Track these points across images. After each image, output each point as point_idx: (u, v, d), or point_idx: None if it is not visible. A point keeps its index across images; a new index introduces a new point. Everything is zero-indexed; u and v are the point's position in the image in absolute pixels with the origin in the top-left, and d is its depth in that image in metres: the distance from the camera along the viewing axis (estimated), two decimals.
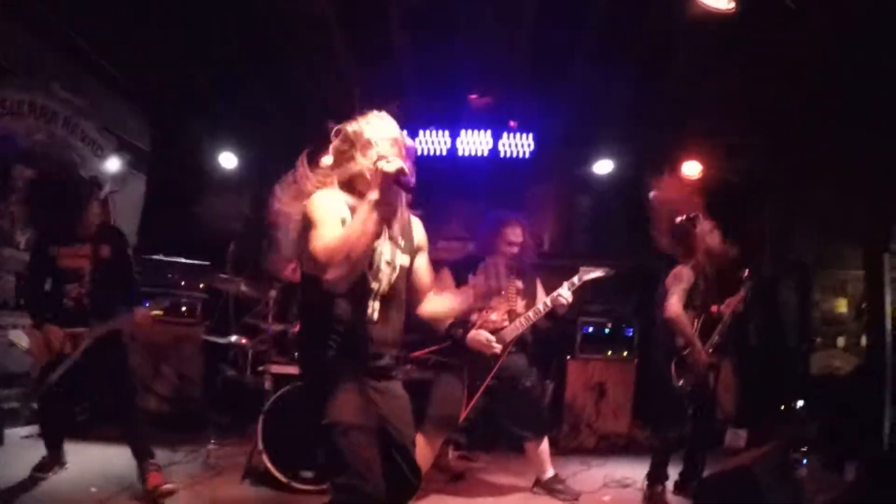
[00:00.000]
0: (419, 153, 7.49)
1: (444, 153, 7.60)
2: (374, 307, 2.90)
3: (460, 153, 7.61)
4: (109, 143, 7.27)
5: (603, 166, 7.87)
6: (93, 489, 4.65)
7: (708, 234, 5.03)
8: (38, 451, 4.96)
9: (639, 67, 6.16)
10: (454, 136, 7.56)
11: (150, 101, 7.75)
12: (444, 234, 8.09)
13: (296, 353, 2.96)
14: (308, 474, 4.76)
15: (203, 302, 7.13)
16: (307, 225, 2.76)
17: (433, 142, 7.59)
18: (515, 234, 5.13)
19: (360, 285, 2.82)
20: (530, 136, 7.49)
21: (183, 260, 7.22)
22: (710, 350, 4.98)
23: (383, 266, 2.92)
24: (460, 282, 5.04)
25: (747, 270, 5.26)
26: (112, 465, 5.14)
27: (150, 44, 6.42)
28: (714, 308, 5.15)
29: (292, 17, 5.88)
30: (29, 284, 5.03)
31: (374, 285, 2.89)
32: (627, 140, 7.73)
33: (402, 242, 3.01)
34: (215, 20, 5.91)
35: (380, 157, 2.77)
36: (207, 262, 7.11)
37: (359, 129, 2.94)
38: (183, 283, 7.11)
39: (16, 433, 5.73)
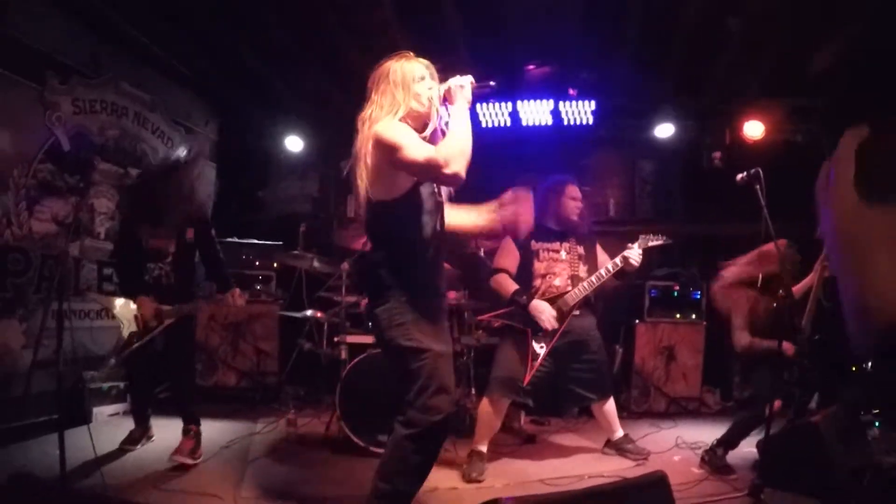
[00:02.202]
0: (483, 126, 7.61)
1: (507, 124, 7.62)
2: (440, 219, 3.39)
3: (523, 123, 7.61)
4: (178, 133, 7.51)
5: (664, 130, 7.80)
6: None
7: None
8: (124, 427, 5.22)
9: (696, 26, 6.08)
10: (514, 107, 7.56)
11: (214, 91, 7.94)
12: None
13: (374, 284, 3.24)
14: (385, 438, 4.87)
15: (277, 279, 7.39)
16: (386, 151, 3.11)
17: (494, 114, 7.62)
18: (576, 190, 5.23)
19: (435, 199, 3.34)
20: (591, 103, 7.45)
21: (255, 241, 7.48)
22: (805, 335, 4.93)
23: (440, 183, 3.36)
24: (522, 249, 5.15)
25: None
26: None
27: (209, 35, 6.59)
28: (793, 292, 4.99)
29: None
30: (118, 262, 5.30)
31: (441, 199, 3.39)
32: (688, 102, 7.65)
33: None
34: (272, 6, 6.04)
35: (441, 86, 3.27)
36: (279, 242, 7.33)
37: (401, 70, 3.30)
38: (257, 262, 7.37)
39: (103, 411, 6.00)
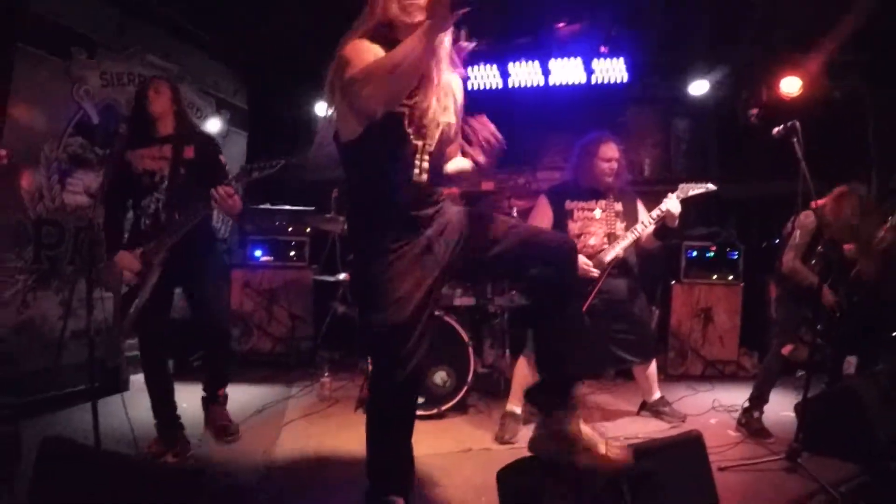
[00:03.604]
0: (513, 86, 7.51)
1: (539, 84, 7.51)
2: (421, 167, 2.76)
3: (553, 83, 7.50)
4: (208, 104, 7.56)
5: (698, 87, 7.61)
6: None
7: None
8: None
9: None
10: (545, 66, 7.44)
11: (241, 59, 7.93)
12: (542, 166, 8.10)
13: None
14: (419, 400, 4.87)
15: (310, 244, 7.44)
16: (337, 75, 2.59)
17: (526, 73, 7.50)
18: (611, 149, 5.00)
19: (403, 142, 2.71)
20: (623, 60, 7.32)
21: (288, 207, 7.50)
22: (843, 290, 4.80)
23: (428, 122, 2.75)
24: (556, 208, 5.06)
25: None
26: (233, 403, 5.22)
27: (234, 2, 6.56)
28: (847, 247, 4.84)
29: None
30: (105, 210, 4.22)
31: (419, 142, 2.75)
32: (723, 58, 7.45)
33: (446, 99, 2.83)
34: None
35: None
36: (312, 208, 7.34)
37: None
38: (290, 228, 7.42)
39: (139, 379, 6.00)
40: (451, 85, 2.88)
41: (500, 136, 2.73)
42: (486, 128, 2.72)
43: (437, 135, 2.79)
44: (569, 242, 2.92)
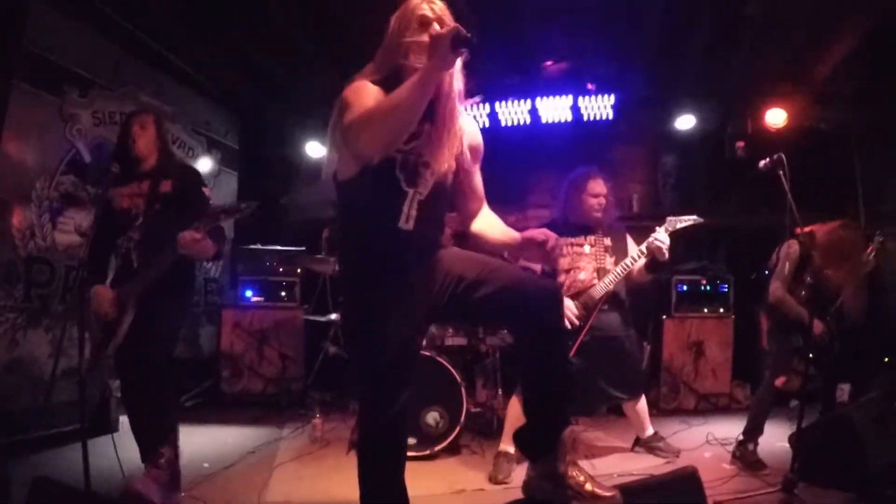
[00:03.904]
0: (502, 125, 7.56)
1: (527, 122, 7.57)
2: (409, 214, 2.61)
3: (543, 121, 7.56)
4: (199, 143, 7.60)
5: (685, 122, 7.70)
6: (205, 465, 4.80)
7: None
8: None
9: (716, 12, 5.99)
10: (533, 104, 7.51)
11: (233, 99, 8.00)
12: (532, 204, 8.13)
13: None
14: (411, 441, 4.84)
15: (301, 284, 7.41)
16: (338, 117, 2.52)
17: (514, 112, 7.57)
18: (599, 185, 5.04)
19: (392, 188, 2.59)
20: (610, 97, 7.38)
21: (279, 248, 7.51)
22: (830, 318, 4.84)
23: (421, 168, 2.63)
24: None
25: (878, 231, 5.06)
26: (224, 444, 5.39)
27: (228, 43, 6.60)
28: (831, 273, 4.84)
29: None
30: (89, 246, 3.95)
31: (410, 189, 2.61)
32: (709, 92, 7.55)
33: (451, 146, 2.67)
34: (287, 11, 6.03)
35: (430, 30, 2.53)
36: (303, 248, 7.35)
37: (395, 22, 2.70)
38: (281, 269, 7.40)
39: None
40: (461, 131, 2.74)
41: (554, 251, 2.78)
42: (544, 247, 2.77)
43: (430, 183, 2.66)
44: (552, 287, 2.91)
